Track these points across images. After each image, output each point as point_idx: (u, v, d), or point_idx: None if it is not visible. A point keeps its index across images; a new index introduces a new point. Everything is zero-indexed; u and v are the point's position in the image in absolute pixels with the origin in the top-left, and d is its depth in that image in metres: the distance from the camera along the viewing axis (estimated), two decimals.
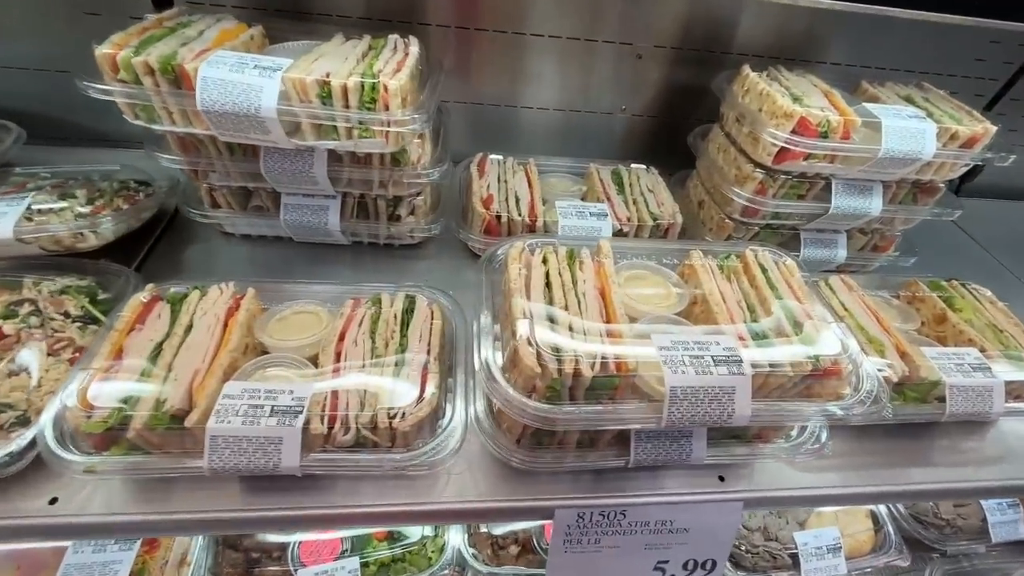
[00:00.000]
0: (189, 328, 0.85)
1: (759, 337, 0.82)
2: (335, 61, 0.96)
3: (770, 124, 1.10)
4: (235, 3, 1.25)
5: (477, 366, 0.76)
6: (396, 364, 0.85)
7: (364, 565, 1.21)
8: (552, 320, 0.77)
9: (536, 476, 0.88)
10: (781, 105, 1.08)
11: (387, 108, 0.92)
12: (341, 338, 0.88)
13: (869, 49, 1.50)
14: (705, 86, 1.36)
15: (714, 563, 0.98)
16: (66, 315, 0.93)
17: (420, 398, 0.80)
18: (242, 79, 0.87)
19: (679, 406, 0.71)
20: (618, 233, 1.22)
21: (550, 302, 0.81)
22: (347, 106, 0.92)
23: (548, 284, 0.84)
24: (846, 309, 1.09)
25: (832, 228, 1.31)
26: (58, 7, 1.26)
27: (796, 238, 1.31)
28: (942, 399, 0.96)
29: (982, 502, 1.53)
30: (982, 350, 1.03)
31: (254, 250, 1.26)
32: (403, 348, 0.87)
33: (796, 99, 1.11)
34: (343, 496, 0.83)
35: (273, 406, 0.75)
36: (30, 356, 0.86)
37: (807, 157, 1.10)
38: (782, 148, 1.09)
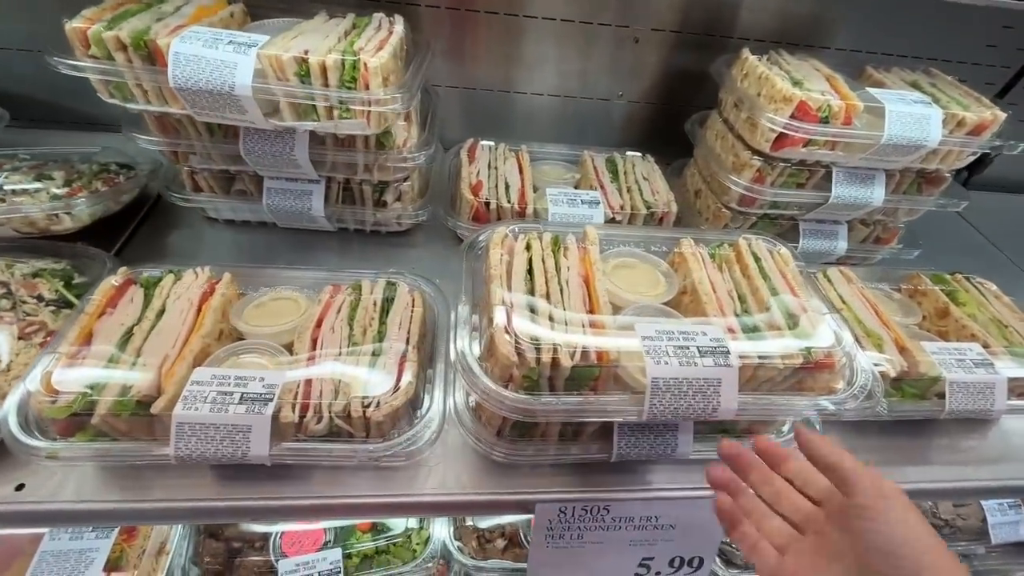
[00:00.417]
0: (161, 312, 0.83)
1: (749, 328, 0.78)
2: (315, 39, 0.93)
3: (769, 109, 1.06)
4: None
5: (453, 357, 0.73)
6: (373, 352, 0.82)
7: (347, 556, 1.20)
8: (532, 308, 0.74)
9: (518, 469, 0.86)
10: (780, 89, 1.04)
11: (368, 87, 0.89)
12: (318, 325, 0.86)
13: (876, 34, 1.45)
14: (705, 72, 1.31)
15: (701, 561, 0.95)
16: (39, 299, 0.91)
17: (396, 387, 0.77)
18: (216, 55, 0.84)
19: (661, 398, 0.68)
20: (610, 222, 1.19)
21: (531, 289, 0.78)
22: (326, 85, 0.88)
23: (530, 271, 0.81)
24: (844, 302, 1.05)
25: (832, 219, 1.27)
26: None
27: (795, 229, 1.27)
28: (942, 396, 0.92)
29: (982, 502, 1.50)
30: (985, 346, 0.99)
31: (238, 236, 1.23)
32: (381, 336, 0.85)
33: (796, 83, 1.07)
34: (320, 487, 0.81)
35: (243, 393, 0.73)
36: (0, 339, 0.84)
37: (807, 143, 1.06)
38: (781, 134, 1.05)
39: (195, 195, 1.15)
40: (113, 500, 0.77)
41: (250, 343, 0.85)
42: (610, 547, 0.90)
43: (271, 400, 0.72)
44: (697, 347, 0.71)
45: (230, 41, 0.86)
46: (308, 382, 0.77)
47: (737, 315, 0.82)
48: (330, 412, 0.75)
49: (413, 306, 0.91)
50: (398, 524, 1.31)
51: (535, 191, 1.25)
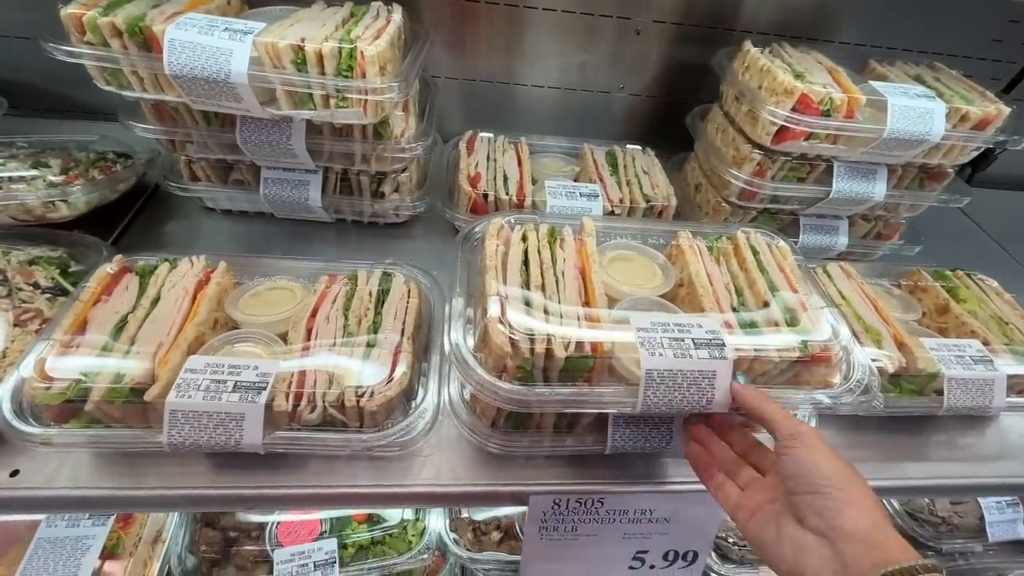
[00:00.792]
0: (156, 301, 0.83)
1: (746, 322, 0.78)
2: (312, 27, 0.92)
3: (770, 102, 1.05)
4: None
5: (447, 348, 0.73)
6: (368, 343, 0.82)
7: (342, 547, 1.20)
8: (527, 299, 0.74)
9: (512, 461, 0.85)
10: (782, 81, 1.03)
11: (364, 76, 0.88)
12: (313, 315, 0.85)
13: (881, 28, 1.43)
14: (707, 65, 1.30)
15: (696, 555, 0.95)
16: (35, 286, 0.91)
17: (390, 378, 0.77)
18: (211, 42, 0.83)
19: (656, 390, 0.68)
20: (609, 215, 1.18)
21: (526, 281, 0.78)
22: (323, 73, 0.88)
23: (526, 262, 0.81)
24: (844, 297, 1.05)
25: (833, 214, 1.26)
26: None
27: (795, 224, 1.26)
28: (940, 392, 0.92)
29: (980, 500, 1.49)
30: (985, 343, 0.98)
31: (235, 226, 1.23)
32: (377, 327, 0.84)
33: (798, 76, 1.06)
34: (315, 476, 0.81)
35: (236, 382, 0.73)
36: None
37: (808, 137, 1.05)
38: (782, 127, 1.04)
39: (193, 184, 1.15)
40: (108, 487, 0.77)
41: (245, 332, 0.85)
42: (604, 540, 0.90)
43: (264, 389, 0.72)
44: (692, 339, 0.70)
45: (226, 28, 0.85)
46: (302, 371, 0.77)
47: (734, 308, 0.81)
48: (324, 401, 0.75)
49: (409, 297, 0.90)
50: (394, 515, 1.31)
51: (534, 184, 1.24)
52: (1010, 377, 0.93)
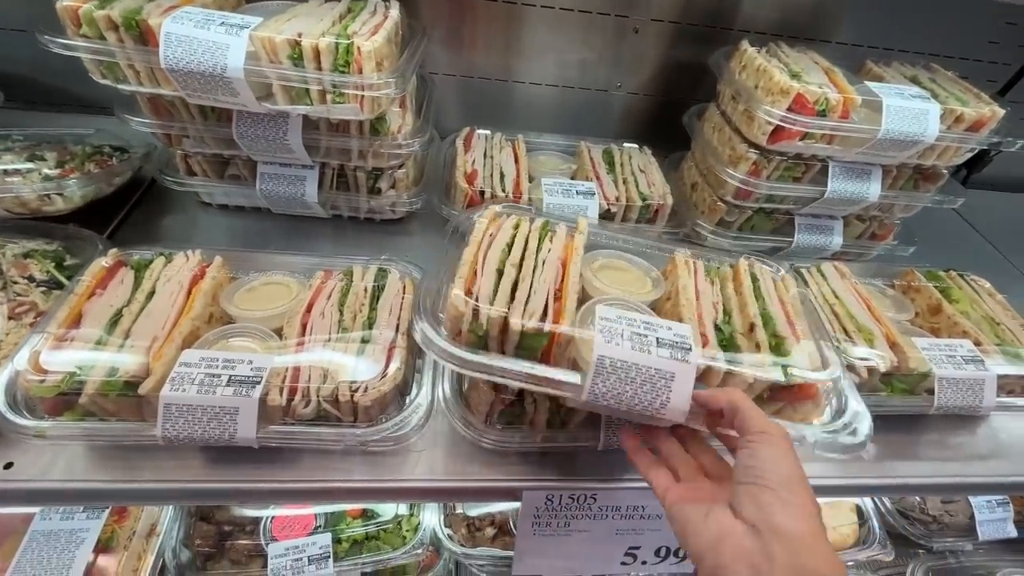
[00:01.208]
0: (151, 295, 0.83)
1: (724, 339, 0.77)
2: (309, 21, 0.92)
3: (766, 101, 1.05)
4: None
5: (414, 322, 0.71)
6: (362, 338, 0.82)
7: (337, 542, 1.20)
8: (500, 272, 0.73)
9: (506, 456, 0.86)
10: (778, 81, 1.03)
11: (361, 72, 0.88)
12: (308, 310, 0.86)
13: (878, 29, 1.43)
14: (705, 64, 1.30)
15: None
16: (30, 279, 0.91)
17: (384, 373, 0.77)
18: (208, 36, 0.83)
19: (606, 379, 0.64)
20: (605, 213, 1.18)
21: (504, 259, 0.76)
22: (319, 68, 0.88)
23: (511, 245, 0.79)
24: (837, 297, 1.05)
25: (828, 213, 1.26)
26: None
27: (791, 223, 1.27)
28: (932, 391, 0.93)
29: (970, 499, 1.51)
30: (977, 343, 0.99)
31: (232, 221, 1.23)
32: (371, 322, 0.85)
33: (794, 75, 1.06)
34: (309, 471, 0.81)
35: (231, 376, 0.73)
36: None
37: (803, 137, 1.05)
38: (777, 127, 1.04)
39: (189, 179, 1.15)
40: (102, 480, 0.77)
41: (240, 327, 0.85)
42: (597, 536, 0.90)
43: (259, 383, 0.73)
44: (657, 337, 0.67)
45: (223, 22, 0.85)
46: (297, 366, 0.77)
47: (717, 326, 0.79)
48: (318, 396, 0.75)
49: (404, 293, 0.91)
50: (388, 510, 1.31)
51: (531, 181, 1.24)
52: (1000, 377, 0.94)
